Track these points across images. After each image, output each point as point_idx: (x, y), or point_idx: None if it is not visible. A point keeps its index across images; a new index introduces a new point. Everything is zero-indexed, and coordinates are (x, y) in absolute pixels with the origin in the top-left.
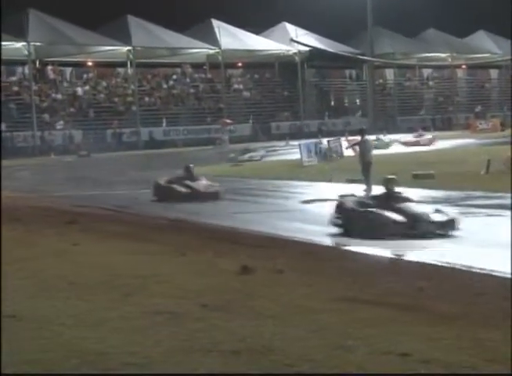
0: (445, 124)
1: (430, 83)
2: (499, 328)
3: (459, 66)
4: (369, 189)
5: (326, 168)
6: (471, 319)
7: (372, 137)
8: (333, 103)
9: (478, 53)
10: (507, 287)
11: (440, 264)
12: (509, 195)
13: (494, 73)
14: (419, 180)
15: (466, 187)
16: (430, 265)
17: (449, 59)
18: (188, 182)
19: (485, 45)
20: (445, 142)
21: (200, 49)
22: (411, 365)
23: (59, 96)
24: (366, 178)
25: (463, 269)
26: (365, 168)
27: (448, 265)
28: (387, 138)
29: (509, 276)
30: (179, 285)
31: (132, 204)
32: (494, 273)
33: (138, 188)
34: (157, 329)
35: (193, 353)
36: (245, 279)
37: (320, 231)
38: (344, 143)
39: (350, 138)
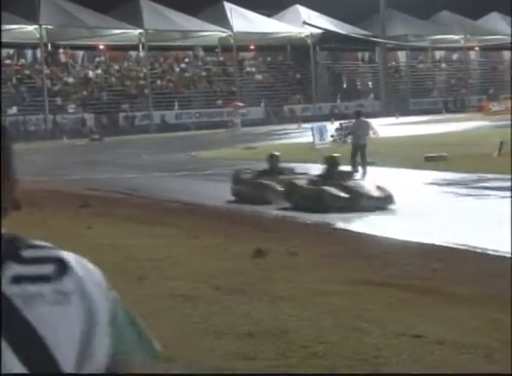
0: (458, 107)
1: (443, 65)
2: None
3: (472, 48)
4: (353, 171)
5: (340, 150)
6: (486, 301)
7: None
8: (345, 86)
9: (491, 35)
10: None
11: (454, 246)
12: None
13: (507, 54)
14: (431, 162)
15: (479, 169)
16: (444, 247)
17: (462, 41)
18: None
19: (498, 27)
20: (457, 125)
21: (212, 32)
22: (425, 346)
23: (71, 80)
24: (352, 161)
25: (478, 251)
26: (355, 151)
27: (463, 247)
28: None
29: None
30: (193, 268)
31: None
32: (508, 255)
33: (151, 171)
34: (171, 312)
35: (208, 336)
36: (259, 262)
37: (333, 214)
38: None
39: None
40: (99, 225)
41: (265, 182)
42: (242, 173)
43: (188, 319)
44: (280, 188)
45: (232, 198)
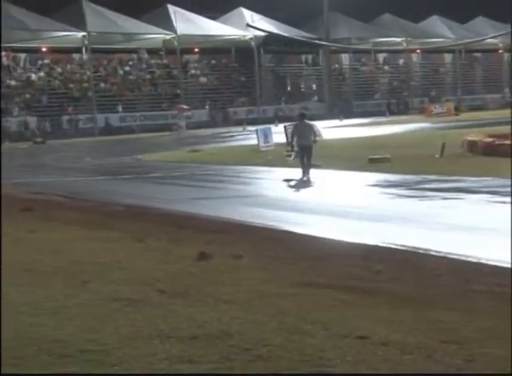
0: (401, 109)
1: (386, 68)
2: (454, 310)
3: (413, 51)
4: (305, 175)
5: (284, 153)
6: (428, 302)
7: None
8: (289, 88)
9: (432, 38)
10: (463, 269)
11: (396, 247)
12: (463, 178)
13: (448, 57)
14: (375, 164)
15: (422, 171)
16: (387, 248)
17: (404, 44)
18: None
19: (439, 30)
20: (400, 127)
21: (156, 35)
22: (369, 347)
23: (13, 82)
24: (302, 163)
25: (420, 252)
26: (301, 152)
27: (405, 248)
28: None
29: (464, 258)
30: (137, 272)
31: None
32: (450, 256)
33: (95, 175)
34: (115, 316)
35: (152, 340)
36: (203, 265)
37: (278, 216)
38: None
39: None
40: (42, 229)
41: None
42: None
43: (132, 323)
44: None
45: None
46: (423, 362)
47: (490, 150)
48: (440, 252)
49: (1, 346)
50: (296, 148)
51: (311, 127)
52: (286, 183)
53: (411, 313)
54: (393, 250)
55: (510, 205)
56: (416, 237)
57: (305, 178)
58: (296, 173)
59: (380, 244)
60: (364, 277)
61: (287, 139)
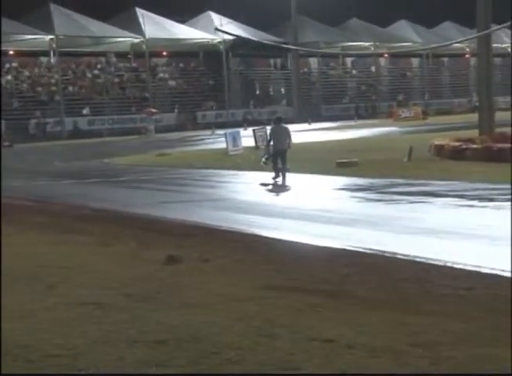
0: (369, 113)
1: (354, 72)
2: (421, 313)
3: (381, 55)
4: (276, 176)
5: (253, 157)
6: (395, 305)
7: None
8: (258, 92)
9: (400, 42)
10: (430, 272)
11: (364, 250)
12: (431, 182)
13: (415, 61)
14: (343, 168)
15: (390, 174)
16: (355, 251)
17: (372, 48)
18: None
19: (407, 35)
20: (368, 131)
21: (124, 38)
22: (336, 350)
23: None
24: (275, 167)
25: (387, 255)
26: (275, 156)
27: (372, 252)
28: None
29: (431, 262)
30: (104, 276)
31: None
32: (417, 259)
33: (63, 178)
34: (82, 320)
35: (119, 344)
36: (171, 268)
37: (247, 219)
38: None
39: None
40: (9, 233)
41: None
42: None
43: (99, 327)
44: None
45: None
46: (390, 365)
47: (457, 154)
48: (407, 256)
49: None
50: (270, 151)
51: (287, 130)
52: (255, 187)
53: (378, 316)
54: (360, 253)
55: (475, 209)
56: (383, 241)
57: (280, 182)
58: (265, 177)
59: (348, 248)
60: (331, 281)
61: (256, 142)
